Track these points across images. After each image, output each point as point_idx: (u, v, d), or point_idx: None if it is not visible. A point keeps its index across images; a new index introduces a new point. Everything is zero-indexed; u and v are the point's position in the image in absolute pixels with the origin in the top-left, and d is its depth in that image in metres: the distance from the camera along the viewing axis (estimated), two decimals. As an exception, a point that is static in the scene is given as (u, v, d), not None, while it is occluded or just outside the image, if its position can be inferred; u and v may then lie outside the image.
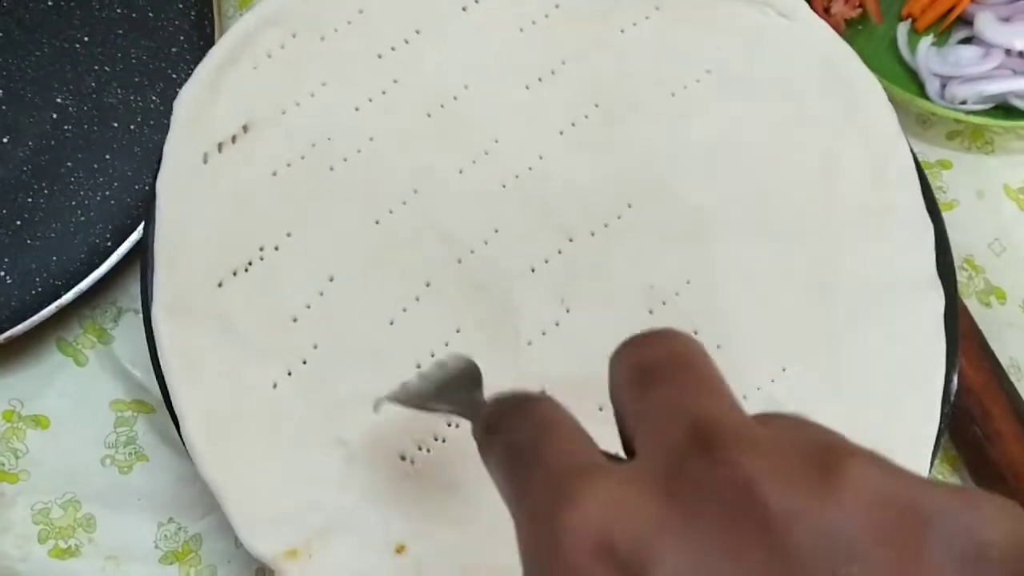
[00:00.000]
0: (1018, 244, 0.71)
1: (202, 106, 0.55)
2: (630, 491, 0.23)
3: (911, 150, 0.61)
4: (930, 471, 0.54)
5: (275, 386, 0.51)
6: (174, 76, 0.65)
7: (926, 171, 0.69)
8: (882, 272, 0.57)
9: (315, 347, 0.52)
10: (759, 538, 0.21)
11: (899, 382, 0.55)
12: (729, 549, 0.21)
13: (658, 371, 0.27)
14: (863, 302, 0.56)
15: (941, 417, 0.54)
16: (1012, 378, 0.66)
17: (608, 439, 0.50)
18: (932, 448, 0.54)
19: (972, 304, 0.68)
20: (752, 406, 0.52)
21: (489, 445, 0.29)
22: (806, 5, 0.64)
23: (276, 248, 0.53)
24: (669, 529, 0.22)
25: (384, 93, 0.58)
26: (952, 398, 0.56)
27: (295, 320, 0.52)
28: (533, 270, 0.55)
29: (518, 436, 0.28)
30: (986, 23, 0.75)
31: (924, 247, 0.58)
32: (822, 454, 0.23)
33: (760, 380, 0.54)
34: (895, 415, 0.54)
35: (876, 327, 0.56)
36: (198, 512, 0.56)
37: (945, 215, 0.69)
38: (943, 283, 0.57)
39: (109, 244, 0.60)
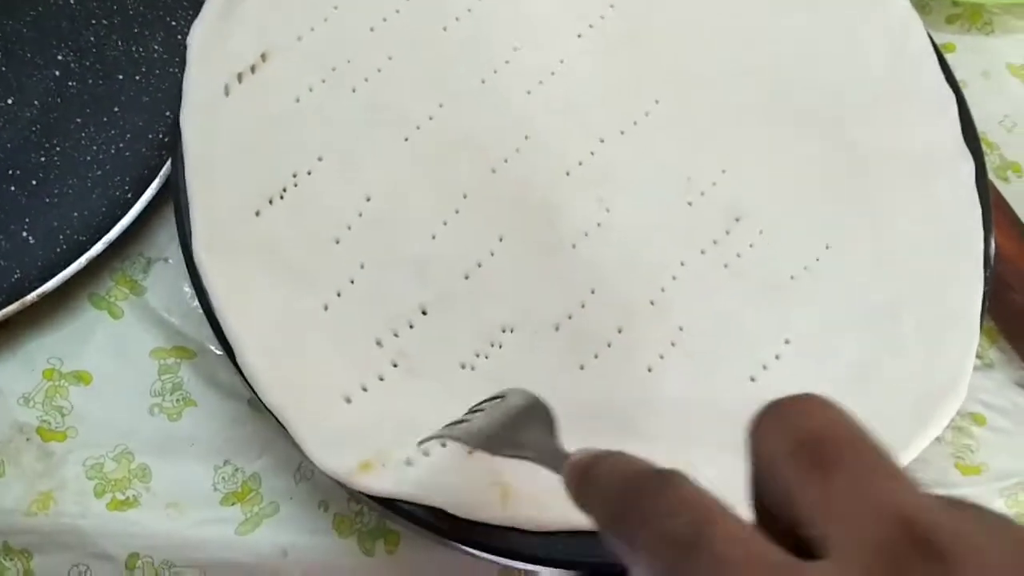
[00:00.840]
0: (1028, 119, 0.72)
1: (217, 39, 0.54)
2: None
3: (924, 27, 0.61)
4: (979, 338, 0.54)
5: (326, 308, 0.50)
6: (173, 23, 0.64)
7: (931, 55, 0.70)
8: (913, 144, 0.57)
9: (361, 266, 0.51)
10: None
11: (941, 249, 0.55)
12: None
13: (830, 451, 0.24)
14: (899, 175, 0.56)
15: (985, 281, 0.55)
16: (1037, 248, 0.66)
17: (663, 332, 0.50)
18: (980, 314, 0.54)
19: (991, 180, 0.68)
20: (801, 286, 0.52)
21: (625, 529, 0.26)
22: None
23: (309, 173, 0.53)
24: None
25: (398, 12, 0.57)
26: (991, 264, 0.56)
27: (338, 242, 0.51)
28: (568, 173, 0.55)
29: (674, 525, 0.24)
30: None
31: (950, 117, 0.58)
32: None
33: (807, 259, 0.54)
34: (941, 282, 0.54)
35: (913, 198, 0.56)
36: (254, 452, 0.55)
37: (955, 96, 0.70)
38: (970, 151, 0.58)
39: (129, 196, 0.58)
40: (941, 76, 0.59)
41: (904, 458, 0.50)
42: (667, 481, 0.26)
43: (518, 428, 0.38)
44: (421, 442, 0.45)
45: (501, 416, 0.39)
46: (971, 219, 0.55)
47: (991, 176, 0.69)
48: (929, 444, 0.60)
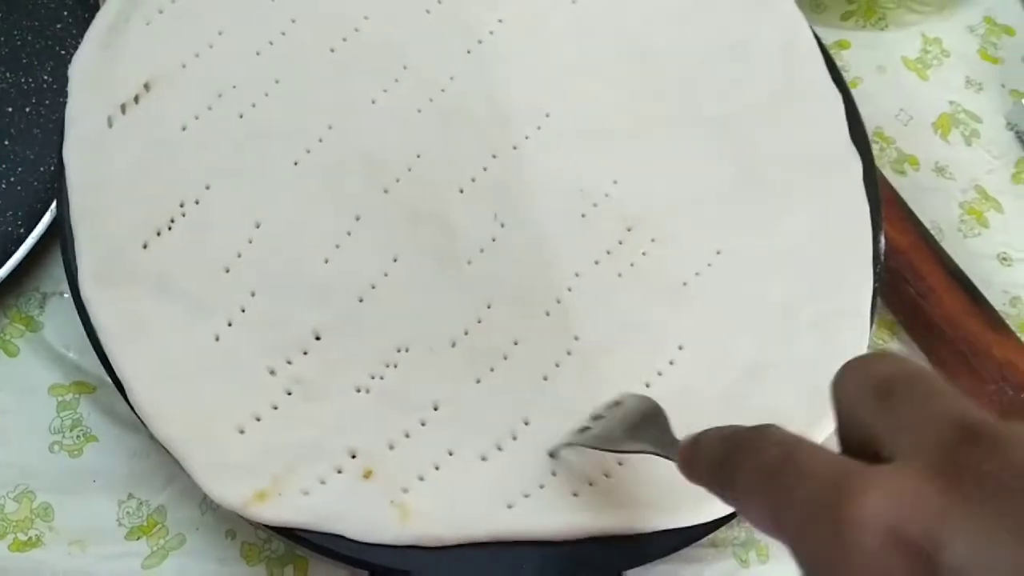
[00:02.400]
0: (923, 112, 0.73)
1: (99, 70, 0.54)
2: (909, 484, 0.25)
3: (811, 27, 0.62)
4: (871, 331, 0.55)
5: (217, 338, 0.50)
6: (63, 52, 0.63)
7: (826, 53, 0.71)
8: (802, 145, 0.58)
9: (252, 294, 0.51)
10: None
11: (832, 247, 0.56)
12: (1013, 529, 0.22)
13: (899, 384, 0.28)
14: (789, 176, 0.57)
15: (874, 277, 0.56)
16: (936, 238, 0.68)
17: (559, 341, 0.51)
18: (870, 308, 0.55)
19: (888, 174, 0.70)
20: (694, 291, 0.53)
21: (727, 476, 0.31)
22: None
23: (197, 202, 0.52)
24: (955, 515, 0.23)
25: (284, 34, 0.57)
26: (882, 258, 0.57)
27: (228, 270, 0.51)
28: (462, 190, 0.55)
29: (765, 457, 0.29)
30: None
31: (837, 118, 0.59)
32: None
33: (698, 265, 0.55)
34: (832, 282, 0.55)
35: (803, 198, 0.57)
36: (158, 484, 0.55)
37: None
38: (858, 150, 0.59)
39: (23, 230, 0.58)
40: (828, 76, 0.60)
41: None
42: (758, 429, 0.31)
43: (636, 427, 0.43)
44: (551, 451, 0.48)
45: (620, 419, 0.45)
46: (860, 216, 0.57)
47: (888, 170, 0.70)
48: (828, 438, 0.62)
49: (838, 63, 0.72)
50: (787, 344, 0.53)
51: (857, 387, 0.29)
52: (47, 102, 0.62)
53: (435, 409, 0.50)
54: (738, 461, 0.31)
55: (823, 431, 0.51)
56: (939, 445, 0.25)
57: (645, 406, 0.44)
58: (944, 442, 0.25)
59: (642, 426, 0.43)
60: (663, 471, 0.49)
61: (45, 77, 0.62)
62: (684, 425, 0.50)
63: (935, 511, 0.24)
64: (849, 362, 0.30)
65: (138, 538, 0.54)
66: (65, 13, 0.64)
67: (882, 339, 0.65)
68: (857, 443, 0.29)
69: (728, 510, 0.49)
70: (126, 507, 0.55)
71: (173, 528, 0.54)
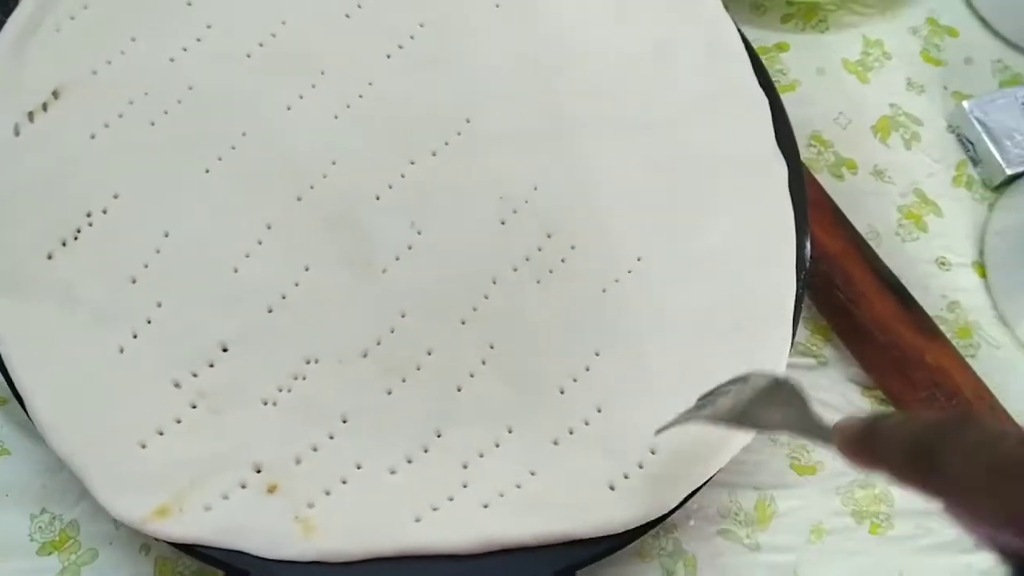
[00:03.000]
0: (862, 115, 0.73)
1: (7, 76, 0.53)
2: None
3: (738, 29, 0.61)
4: (793, 337, 0.54)
5: (122, 350, 0.49)
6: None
7: (764, 56, 0.71)
8: (725, 150, 0.57)
9: (159, 305, 0.50)
10: None
11: (755, 254, 0.55)
12: None
13: None
14: (710, 182, 0.57)
15: (798, 282, 0.55)
16: (872, 243, 0.67)
17: (474, 351, 0.50)
18: (793, 312, 0.54)
19: (825, 178, 0.69)
20: (612, 298, 0.52)
21: (930, 465, 0.30)
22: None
23: (104, 211, 0.51)
24: None
25: (199, 40, 0.56)
26: (807, 264, 0.57)
27: (134, 281, 0.50)
28: (378, 197, 0.54)
29: (1002, 449, 0.28)
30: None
31: (762, 121, 0.59)
32: None
33: (618, 272, 0.54)
34: (754, 288, 0.55)
35: (725, 204, 0.56)
36: (71, 499, 0.54)
37: (789, 95, 0.71)
38: (784, 154, 0.58)
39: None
40: (754, 79, 0.60)
41: (723, 458, 0.50)
42: (963, 419, 0.30)
43: (766, 405, 0.40)
44: (659, 431, 0.45)
45: (749, 395, 0.41)
46: (783, 221, 0.56)
47: (825, 174, 0.70)
48: (766, 446, 0.61)
49: (777, 66, 0.72)
50: (707, 350, 0.53)
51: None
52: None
53: (344, 422, 0.49)
54: (943, 444, 0.29)
55: (742, 441, 0.51)
56: None
57: (776, 383, 0.41)
58: None
59: (772, 405, 0.40)
60: (578, 478, 0.49)
61: (-37, 83, 0.61)
62: (606, 425, 0.50)
63: None
64: None
65: (50, 553, 0.53)
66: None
67: (815, 344, 0.65)
68: None
69: (651, 518, 0.49)
70: (38, 522, 0.54)
71: (86, 543, 0.54)
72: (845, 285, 0.61)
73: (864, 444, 0.34)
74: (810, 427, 0.38)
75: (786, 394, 0.40)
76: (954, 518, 0.31)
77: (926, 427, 0.31)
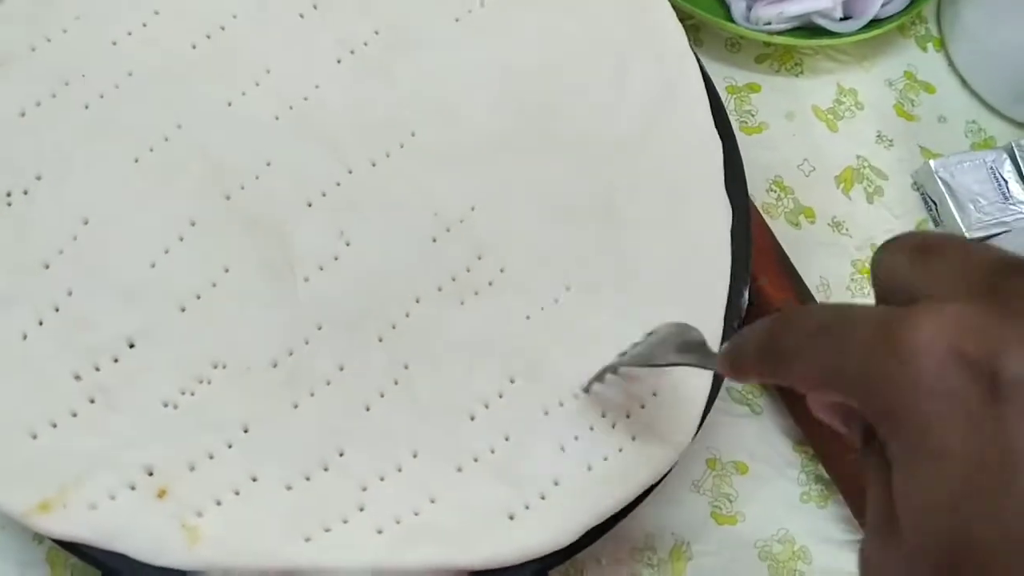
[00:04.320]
0: (827, 164, 0.72)
1: (-60, 45, 0.51)
2: (961, 310, 0.25)
3: (702, 70, 0.60)
4: (715, 381, 0.53)
5: (25, 336, 0.48)
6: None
7: (734, 95, 0.70)
8: (668, 187, 0.56)
9: (69, 293, 0.49)
10: None
11: (686, 296, 0.54)
12: None
13: (937, 243, 0.29)
14: (650, 219, 0.56)
15: (728, 328, 0.54)
16: (821, 295, 0.66)
17: (387, 370, 0.49)
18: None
19: (781, 225, 0.68)
20: (535, 326, 0.51)
21: (775, 352, 0.31)
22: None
23: (25, 192, 0.50)
24: (1010, 332, 0.25)
25: (144, 26, 0.55)
26: (743, 311, 0.56)
27: (47, 267, 0.49)
28: (310, 204, 0.53)
29: (814, 320, 0.30)
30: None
31: (711, 163, 0.57)
32: None
33: (544, 300, 0.53)
34: (681, 315, 0.53)
35: (661, 243, 0.55)
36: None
37: (755, 138, 0.70)
38: (734, 199, 0.57)
39: None
40: (709, 120, 0.58)
41: (629, 493, 0.50)
42: (801, 307, 0.33)
43: (670, 347, 0.45)
44: (585, 388, 0.51)
45: (660, 341, 0.46)
46: (717, 268, 0.55)
47: (782, 221, 0.69)
48: (688, 492, 0.60)
49: (746, 106, 0.71)
50: (624, 388, 0.52)
51: (896, 254, 0.30)
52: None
53: (244, 431, 0.48)
54: (785, 334, 0.31)
55: (648, 477, 0.50)
56: (984, 280, 0.26)
57: (684, 329, 0.46)
58: (988, 277, 0.26)
59: (683, 345, 0.45)
60: (478, 507, 0.48)
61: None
62: (512, 454, 0.49)
63: (990, 330, 0.25)
64: (886, 241, 0.31)
65: (-62, 534, 0.52)
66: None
67: (751, 393, 0.63)
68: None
69: (546, 551, 0.48)
70: (-69, 501, 0.52)
71: (-22, 526, 0.52)
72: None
73: (731, 355, 0.36)
74: (708, 358, 0.43)
75: (688, 337, 0.45)
76: (813, 405, 0.34)
77: (771, 322, 0.33)
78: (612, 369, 0.50)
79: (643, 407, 0.52)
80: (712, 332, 0.53)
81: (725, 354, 0.37)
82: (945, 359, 0.25)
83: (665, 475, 0.52)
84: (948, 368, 0.25)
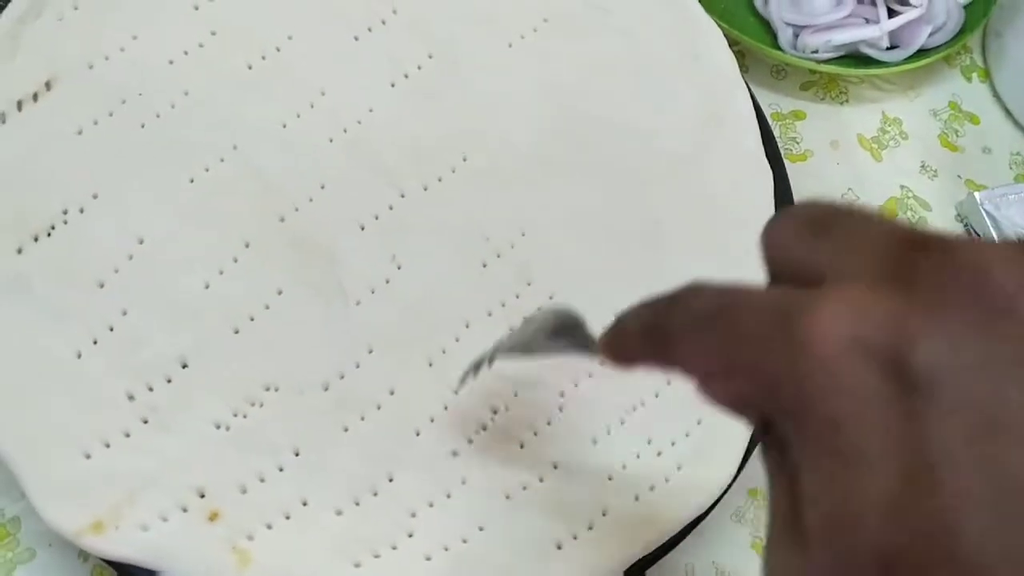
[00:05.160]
0: (871, 193, 0.71)
1: (0, 62, 0.52)
2: (863, 294, 0.23)
3: (752, 97, 0.60)
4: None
5: (79, 355, 0.48)
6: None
7: (779, 122, 0.69)
8: (716, 214, 0.56)
9: (124, 313, 0.49)
10: (1002, 313, 0.22)
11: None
12: (976, 324, 0.22)
13: (837, 216, 0.26)
14: (696, 243, 0.55)
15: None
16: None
17: (437, 394, 0.49)
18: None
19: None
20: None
21: (661, 335, 0.29)
22: (649, -48, 0.63)
23: (81, 211, 0.50)
24: (917, 317, 0.22)
25: (201, 46, 0.55)
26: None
27: (102, 285, 0.49)
28: (363, 227, 0.53)
29: (703, 302, 0.27)
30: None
31: (760, 191, 0.57)
32: None
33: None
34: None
35: (707, 267, 0.54)
36: (16, 493, 0.53)
37: (799, 165, 0.70)
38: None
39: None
40: (759, 148, 0.58)
41: (675, 524, 0.50)
42: (685, 286, 0.29)
43: (549, 334, 0.41)
44: (459, 385, 0.45)
45: (534, 327, 0.42)
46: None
47: (826, 249, 0.68)
48: (728, 522, 0.60)
49: (791, 134, 0.71)
50: (669, 416, 0.52)
51: (792, 227, 0.27)
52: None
53: (296, 455, 0.48)
54: (672, 314, 0.28)
55: (695, 508, 0.50)
56: (887, 258, 0.24)
57: (561, 312, 0.42)
58: (892, 254, 0.24)
59: (561, 331, 0.41)
60: (526, 536, 0.48)
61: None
62: (561, 482, 0.49)
63: (896, 316, 0.22)
64: (782, 209, 0.29)
65: (-14, 547, 0.52)
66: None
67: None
68: (793, 285, 0.27)
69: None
70: (-21, 514, 0.53)
71: (25, 541, 0.53)
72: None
73: (612, 338, 0.33)
74: (587, 343, 0.39)
75: (567, 321, 0.41)
76: (699, 390, 0.29)
77: (656, 301, 0.30)
78: (486, 360, 0.44)
79: (687, 435, 0.52)
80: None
81: (605, 337, 0.34)
82: (850, 351, 0.22)
83: (711, 508, 0.51)
84: (854, 362, 0.22)
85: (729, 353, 0.26)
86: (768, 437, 0.27)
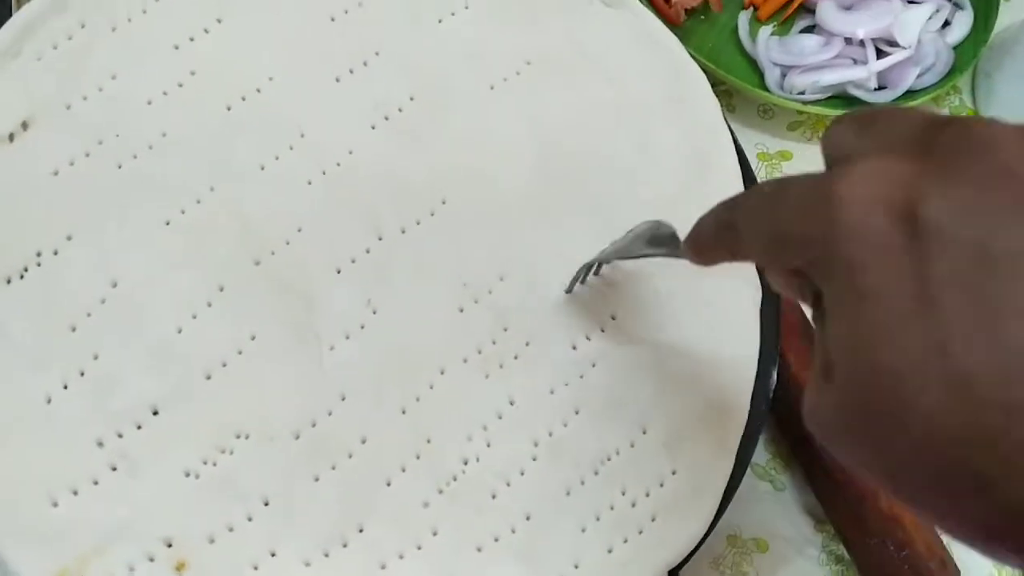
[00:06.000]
0: (857, 234, 0.71)
1: (-23, 100, 0.52)
2: (887, 163, 0.27)
3: (734, 141, 0.60)
4: (748, 460, 0.53)
5: (49, 400, 0.47)
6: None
7: (766, 162, 0.69)
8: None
9: (95, 357, 0.49)
10: (1002, 173, 0.26)
11: (712, 376, 0.54)
12: (979, 183, 0.26)
13: (876, 116, 0.31)
14: (676, 287, 0.55)
15: (756, 412, 0.54)
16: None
17: (409, 443, 0.48)
18: (737, 443, 0.53)
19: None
20: (562, 400, 0.50)
21: (730, 225, 0.34)
22: (633, -7, 0.63)
23: (55, 252, 0.50)
24: (929, 178, 0.26)
25: (181, 86, 0.55)
26: (771, 393, 0.55)
27: (74, 329, 0.49)
28: (339, 271, 0.53)
29: (762, 189, 0.33)
30: (828, 11, 0.75)
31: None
32: None
33: (568, 375, 0.52)
34: (707, 402, 0.53)
35: (688, 314, 0.54)
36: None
37: (784, 206, 0.69)
38: (762, 277, 0.56)
39: None
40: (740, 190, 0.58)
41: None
42: (747, 190, 0.35)
43: (644, 241, 0.48)
44: (567, 289, 0.53)
45: (632, 235, 0.50)
46: (745, 348, 0.54)
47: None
48: (708, 570, 0.59)
49: (777, 174, 0.71)
50: (644, 466, 0.51)
51: (844, 124, 0.32)
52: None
53: (265, 504, 0.47)
54: (736, 209, 0.34)
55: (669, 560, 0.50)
56: (914, 136, 0.28)
57: (656, 223, 0.48)
58: (918, 133, 0.28)
59: (655, 239, 0.48)
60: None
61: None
62: (533, 534, 0.49)
63: (912, 178, 0.27)
64: (837, 118, 0.33)
65: (-46, 589, 0.52)
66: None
67: (774, 469, 0.63)
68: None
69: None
70: (-52, 554, 0.52)
71: (-6, 582, 0.52)
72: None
73: (692, 239, 0.39)
74: (674, 251, 0.45)
75: (663, 231, 0.47)
76: (770, 278, 0.36)
77: (724, 203, 0.35)
78: (593, 268, 0.52)
79: (662, 485, 0.52)
80: (735, 415, 0.53)
81: (688, 239, 0.39)
82: (870, 206, 0.27)
83: (686, 560, 0.51)
84: (873, 214, 0.27)
85: (778, 227, 0.30)
86: (817, 309, 0.31)
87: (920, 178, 0.27)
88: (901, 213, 0.26)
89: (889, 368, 0.26)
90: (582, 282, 0.53)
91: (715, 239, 0.36)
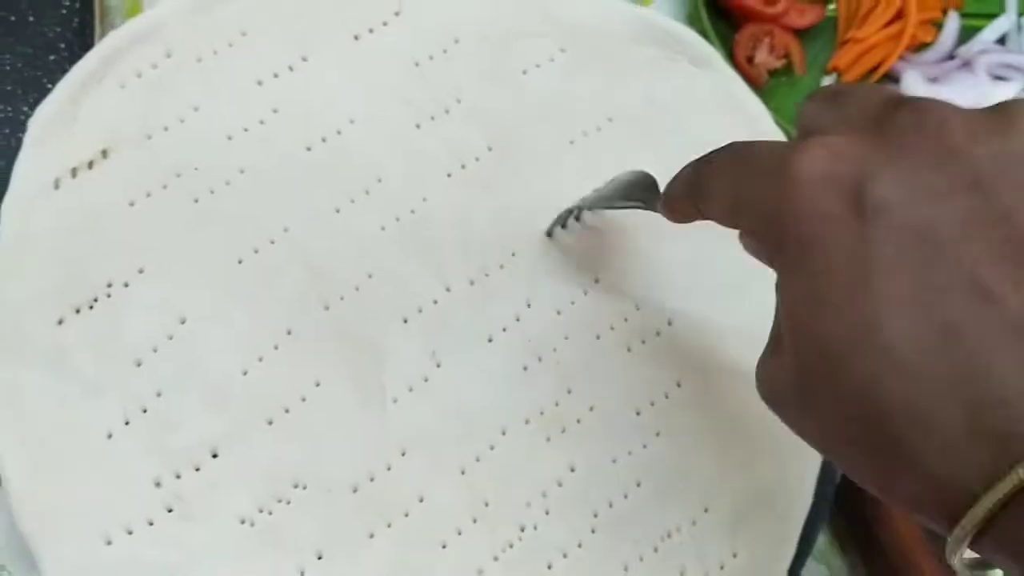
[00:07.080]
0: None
1: (59, 127, 0.51)
2: (842, 142, 0.29)
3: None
4: (812, 543, 0.51)
5: (110, 436, 0.47)
6: (49, 86, 0.60)
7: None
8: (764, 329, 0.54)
9: (158, 395, 0.48)
10: (950, 155, 0.27)
11: (776, 448, 0.52)
12: (927, 164, 0.27)
13: (843, 91, 0.32)
14: (744, 357, 0.53)
15: (819, 492, 0.52)
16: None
17: (467, 505, 0.47)
18: (804, 519, 0.52)
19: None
20: (624, 470, 0.49)
21: (699, 183, 0.36)
22: (720, 56, 0.62)
23: (125, 285, 0.50)
24: (879, 158, 0.28)
25: (262, 123, 0.54)
26: (838, 474, 0.54)
27: (139, 364, 0.48)
28: (406, 320, 0.52)
29: (731, 148, 0.34)
30: (913, 82, 0.73)
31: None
32: (996, 105, 0.29)
33: (632, 444, 0.51)
34: (772, 482, 0.52)
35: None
36: (30, 561, 0.52)
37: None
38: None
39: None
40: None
41: None
42: (714, 150, 0.35)
43: (626, 189, 0.48)
44: (548, 231, 0.54)
45: (614, 184, 0.50)
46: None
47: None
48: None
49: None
50: (706, 546, 0.50)
51: (815, 99, 0.33)
52: (19, 136, 0.59)
53: (319, 558, 0.47)
54: (707, 168, 0.35)
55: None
56: (871, 115, 0.30)
57: (639, 173, 0.48)
58: (875, 112, 0.29)
59: (632, 190, 0.47)
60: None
61: (25, 109, 0.60)
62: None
63: (862, 156, 0.28)
64: (811, 93, 0.34)
65: (-4, 614, 0.51)
66: (62, 45, 0.62)
67: (831, 554, 0.61)
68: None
69: None
70: (-6, 578, 0.52)
71: (36, 613, 0.52)
72: (871, 502, 0.58)
73: (666, 195, 0.40)
74: (651, 202, 0.44)
75: (643, 182, 0.47)
76: (742, 242, 0.37)
77: (696, 160, 0.36)
78: (574, 213, 0.53)
79: (722, 568, 0.50)
80: (800, 496, 0.52)
81: (663, 193, 0.40)
82: (821, 184, 0.28)
83: (743, 647, 0.49)
84: (822, 192, 0.28)
85: (741, 194, 0.32)
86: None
87: (869, 156, 0.28)
88: (850, 193, 0.28)
89: (828, 338, 0.28)
90: (563, 226, 0.54)
91: (685, 195, 0.37)
